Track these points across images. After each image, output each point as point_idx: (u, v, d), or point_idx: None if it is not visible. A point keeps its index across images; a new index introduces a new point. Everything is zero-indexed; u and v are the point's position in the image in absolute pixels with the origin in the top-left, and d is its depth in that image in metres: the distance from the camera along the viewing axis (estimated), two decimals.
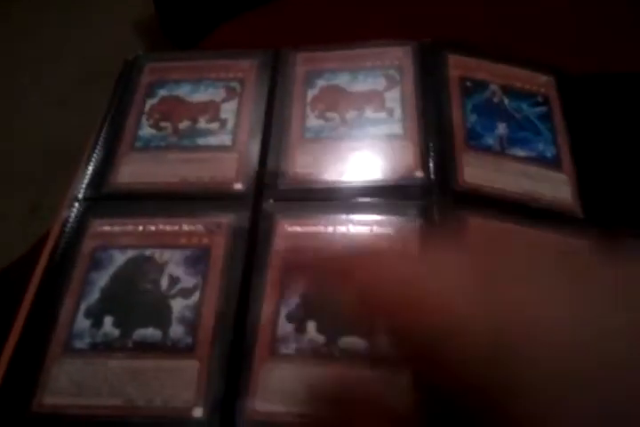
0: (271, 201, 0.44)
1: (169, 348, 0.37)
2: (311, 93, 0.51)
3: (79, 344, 0.38)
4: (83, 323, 0.39)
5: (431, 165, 0.45)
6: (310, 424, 0.34)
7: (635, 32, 0.58)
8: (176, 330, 0.38)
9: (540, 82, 0.53)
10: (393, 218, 0.43)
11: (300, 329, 0.38)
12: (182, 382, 0.36)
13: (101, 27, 1.32)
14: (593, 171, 0.48)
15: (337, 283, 0.29)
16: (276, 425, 0.34)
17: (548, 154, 0.48)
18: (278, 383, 0.36)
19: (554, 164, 0.48)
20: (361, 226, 0.42)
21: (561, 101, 0.52)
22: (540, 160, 0.48)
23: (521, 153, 0.48)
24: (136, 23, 1.23)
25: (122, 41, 1.17)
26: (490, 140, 0.48)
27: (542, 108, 0.51)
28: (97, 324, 0.39)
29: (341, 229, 0.42)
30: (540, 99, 0.52)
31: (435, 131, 0.48)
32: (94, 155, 0.48)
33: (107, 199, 0.46)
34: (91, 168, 0.48)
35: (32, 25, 1.31)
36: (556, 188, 0.46)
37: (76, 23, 1.32)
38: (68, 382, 0.37)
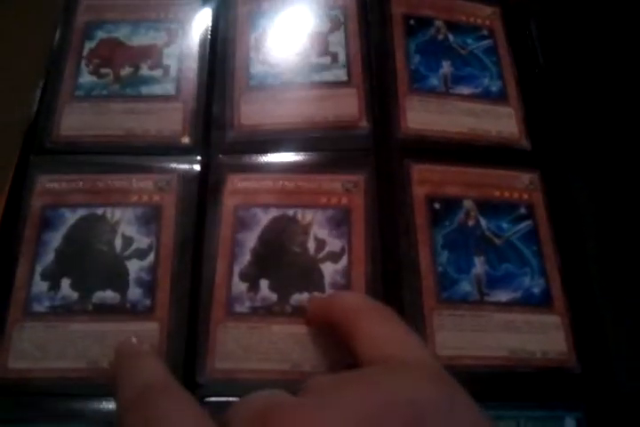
0: (220, 156, 0.44)
1: (128, 310, 0.39)
2: (254, 36, 0.50)
3: (38, 308, 0.39)
4: (40, 286, 0.40)
5: (375, 113, 0.46)
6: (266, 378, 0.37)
7: None
8: (134, 292, 0.39)
9: (485, 14, 0.53)
10: (339, 169, 0.44)
11: (253, 288, 0.39)
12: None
13: None
14: (540, 102, 0.49)
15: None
16: (234, 381, 0.37)
17: (494, 88, 0.49)
18: (234, 341, 0.38)
19: (499, 98, 0.48)
20: (308, 181, 0.43)
21: (506, 32, 0.52)
22: (486, 96, 0.48)
23: (466, 91, 0.48)
24: None
25: None
26: (434, 81, 0.48)
27: (487, 42, 0.51)
28: (54, 287, 0.40)
29: (289, 184, 0.43)
30: (485, 32, 0.52)
31: (378, 76, 0.48)
32: (35, 106, 0.47)
33: (51, 153, 0.45)
34: (32, 120, 0.47)
35: None
36: (502, 122, 0.47)
37: None
38: (31, 346, 0.38)
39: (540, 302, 0.40)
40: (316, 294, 0.39)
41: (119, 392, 0.28)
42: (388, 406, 0.24)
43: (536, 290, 0.40)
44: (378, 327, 0.31)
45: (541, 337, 0.39)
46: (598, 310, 0.41)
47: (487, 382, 0.38)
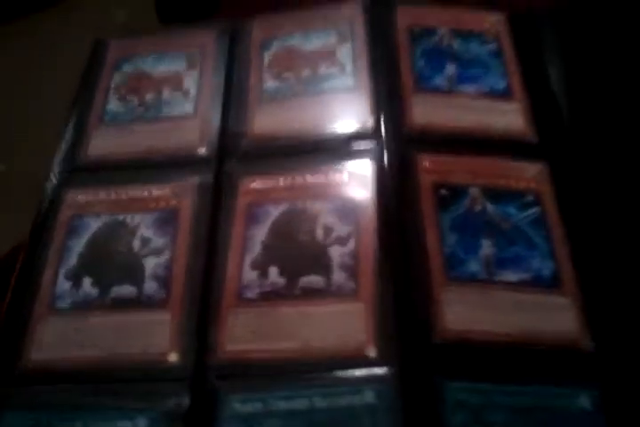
0: (234, 161, 0.47)
1: (144, 302, 0.40)
2: (267, 57, 0.53)
3: (62, 304, 0.41)
4: (64, 285, 0.42)
5: (382, 112, 0.48)
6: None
7: None
8: (150, 286, 0.41)
9: (491, 21, 0.54)
10: (347, 167, 0.45)
11: (263, 275, 0.40)
12: (158, 332, 0.39)
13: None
14: (546, 97, 0.49)
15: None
16: (245, 361, 0.37)
17: (499, 86, 0.50)
18: (245, 325, 0.39)
19: (505, 95, 0.49)
20: (317, 179, 0.45)
21: (512, 37, 0.53)
22: (491, 94, 0.49)
23: (470, 89, 0.49)
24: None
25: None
26: (439, 81, 0.50)
27: (492, 45, 0.53)
28: (76, 285, 0.42)
29: (299, 181, 0.45)
30: (490, 36, 0.53)
31: (384, 80, 0.50)
32: (67, 131, 0.51)
33: (80, 171, 0.48)
34: (64, 143, 0.50)
35: None
36: (508, 118, 0.48)
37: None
38: (53, 338, 0.40)
39: (550, 284, 0.39)
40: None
41: None
42: None
43: (546, 272, 0.40)
44: None
45: (551, 317, 0.38)
46: (611, 291, 0.40)
47: (498, 357, 0.37)
